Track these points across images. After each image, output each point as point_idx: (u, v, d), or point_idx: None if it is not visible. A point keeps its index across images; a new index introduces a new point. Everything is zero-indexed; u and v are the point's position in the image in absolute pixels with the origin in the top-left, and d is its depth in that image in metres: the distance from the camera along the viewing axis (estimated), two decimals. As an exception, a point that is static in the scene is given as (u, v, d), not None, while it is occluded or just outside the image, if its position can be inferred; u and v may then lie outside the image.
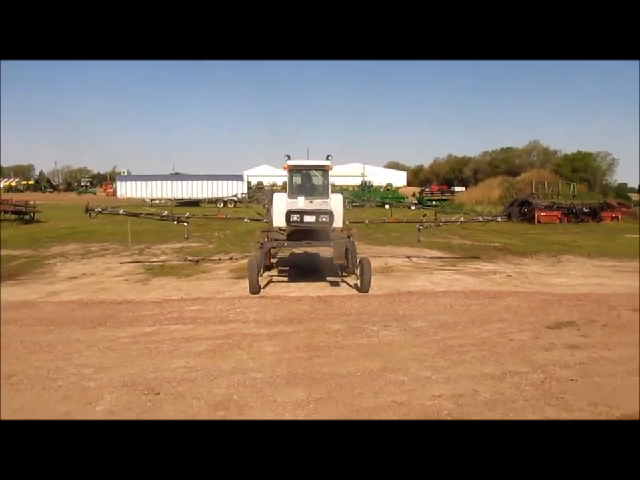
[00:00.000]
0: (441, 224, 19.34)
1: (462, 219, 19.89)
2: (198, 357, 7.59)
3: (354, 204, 18.84)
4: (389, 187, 73.70)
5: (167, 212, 18.38)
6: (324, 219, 12.49)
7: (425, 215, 19.97)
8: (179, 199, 53.69)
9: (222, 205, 49.73)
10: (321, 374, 6.90)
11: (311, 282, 13.51)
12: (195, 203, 46.31)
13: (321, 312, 10.37)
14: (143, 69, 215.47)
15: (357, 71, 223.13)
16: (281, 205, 13.61)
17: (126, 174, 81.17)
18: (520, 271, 15.87)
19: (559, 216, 37.10)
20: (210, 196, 56.10)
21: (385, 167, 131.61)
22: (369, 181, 78.87)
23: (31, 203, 33.42)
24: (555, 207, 38.91)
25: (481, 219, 20.65)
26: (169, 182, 61.43)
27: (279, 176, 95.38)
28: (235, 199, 46.23)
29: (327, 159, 13.91)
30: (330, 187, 14.13)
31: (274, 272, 15.28)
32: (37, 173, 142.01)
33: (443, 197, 62.48)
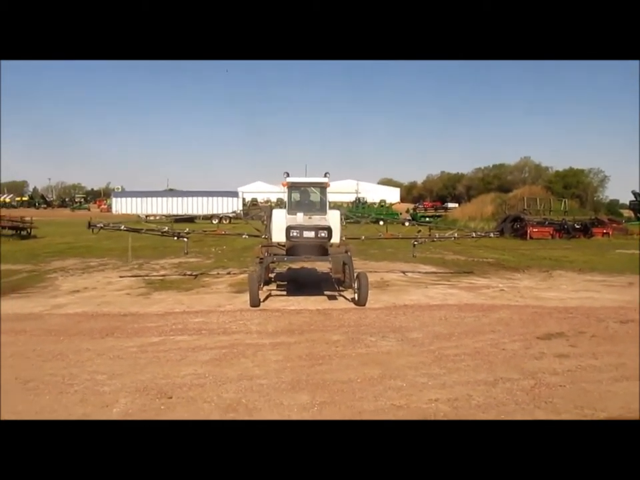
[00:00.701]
0: (435, 240, 19.76)
1: (456, 234, 20.33)
2: (205, 365, 7.94)
3: (348, 220, 19.21)
4: (383, 204, 74.26)
5: (167, 228, 18.75)
6: (323, 235, 12.89)
7: (419, 231, 20.39)
8: (173, 215, 53.89)
9: (217, 221, 50.18)
10: (323, 380, 7.26)
11: (309, 296, 13.86)
12: (190, 219, 46.60)
13: (321, 324, 10.73)
14: (133, 82, 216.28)
15: (350, 88, 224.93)
16: (280, 221, 14.01)
17: (120, 190, 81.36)
18: (512, 286, 16.29)
19: (551, 232, 37.71)
20: (205, 212, 56.41)
21: (378, 183, 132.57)
22: (363, 198, 79.52)
23: (28, 218, 33.63)
24: (546, 222, 39.56)
25: (474, 234, 21.10)
26: (164, 198, 61.74)
27: (273, 192, 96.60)
28: (233, 215, 46.55)
29: (325, 176, 14.38)
30: (328, 203, 14.59)
31: (272, 286, 15.62)
32: (31, 189, 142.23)
33: (437, 213, 63.12)
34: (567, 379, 7.45)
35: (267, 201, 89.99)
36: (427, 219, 56.67)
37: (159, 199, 61.36)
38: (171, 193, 68.97)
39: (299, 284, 15.96)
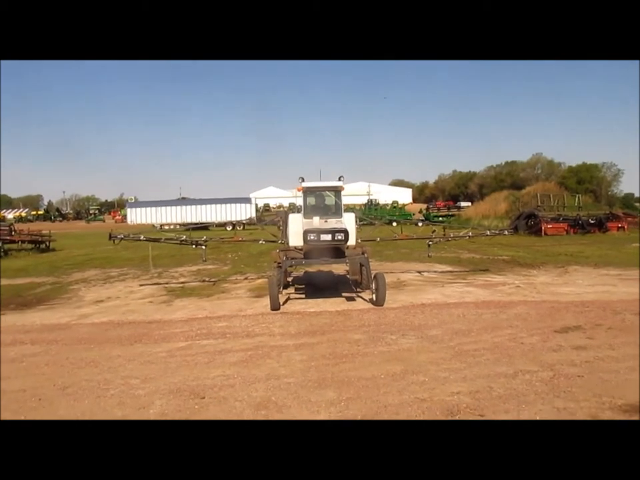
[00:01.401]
0: (449, 239, 19.93)
1: (470, 233, 20.48)
2: (233, 366, 8.22)
3: (362, 222, 19.46)
4: (395, 205, 74.30)
5: (184, 236, 19.11)
6: (340, 237, 13.14)
7: (434, 230, 20.58)
8: (187, 224, 54.44)
9: (231, 227, 50.65)
10: (348, 377, 7.52)
11: (327, 298, 14.11)
12: (204, 227, 47.02)
13: (341, 324, 10.99)
14: (143, 92, 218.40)
15: (359, 90, 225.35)
16: (297, 225, 14.29)
17: (133, 200, 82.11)
18: (528, 282, 16.44)
19: (565, 228, 37.68)
20: (218, 219, 56.85)
21: (389, 184, 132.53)
22: (375, 199, 79.65)
23: (45, 232, 34.18)
24: (561, 219, 39.47)
25: (488, 232, 21.25)
26: (177, 207, 62.24)
27: (286, 197, 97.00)
28: (246, 221, 46.96)
29: (339, 179, 14.65)
30: (343, 206, 14.86)
31: (290, 290, 15.89)
32: (46, 202, 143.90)
33: (450, 213, 63.16)
34: (584, 370, 7.65)
35: (280, 206, 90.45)
36: (440, 218, 56.81)
37: (173, 207, 61.87)
38: (184, 201, 69.46)
39: (317, 287, 16.21)
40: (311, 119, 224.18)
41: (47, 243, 32.86)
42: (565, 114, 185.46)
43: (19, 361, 8.87)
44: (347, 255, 14.06)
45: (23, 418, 6.32)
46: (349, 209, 26.29)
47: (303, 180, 14.67)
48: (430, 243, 18.74)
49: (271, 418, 6.19)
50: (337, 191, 14.67)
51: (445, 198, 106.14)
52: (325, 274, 18.92)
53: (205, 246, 18.10)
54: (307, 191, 14.70)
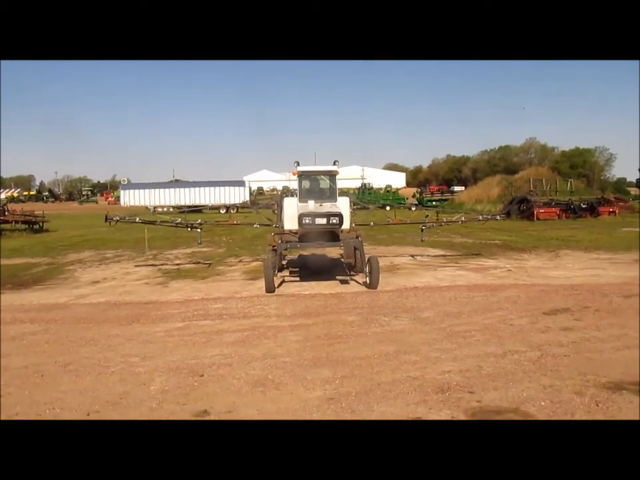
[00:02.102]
0: (442, 224, 20.16)
1: (463, 218, 20.66)
2: (230, 346, 8.43)
3: (356, 206, 19.63)
4: (389, 189, 74.35)
5: (179, 219, 19.24)
6: (334, 221, 13.32)
7: (427, 215, 20.78)
8: (181, 206, 54.32)
9: (225, 210, 50.64)
10: (343, 357, 7.75)
11: (321, 281, 14.32)
12: (198, 209, 46.99)
13: (335, 306, 11.20)
14: (136, 74, 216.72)
15: (353, 73, 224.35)
16: (292, 209, 14.45)
17: (126, 182, 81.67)
18: (519, 266, 16.71)
19: (557, 212, 37.91)
20: (212, 202, 56.72)
21: (383, 168, 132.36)
22: (369, 183, 79.62)
23: (39, 213, 34.14)
24: (553, 203, 39.69)
25: (480, 217, 21.46)
26: (171, 189, 61.97)
27: (279, 180, 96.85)
28: (240, 204, 46.95)
29: (334, 164, 14.80)
30: (337, 190, 15.02)
31: (285, 273, 16.08)
32: (38, 183, 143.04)
33: (443, 197, 63.32)
34: (571, 350, 7.91)
35: (274, 189, 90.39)
36: (434, 203, 56.99)
37: (166, 190, 61.48)
38: (177, 184, 69.14)
39: (311, 270, 16.40)
40: (305, 102, 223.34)
41: (41, 224, 32.84)
42: (559, 99, 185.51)
43: (19, 339, 9.06)
44: (342, 239, 14.25)
45: (27, 393, 6.53)
46: (343, 192, 26.50)
47: (298, 164, 14.79)
48: (423, 227, 18.94)
49: (268, 394, 6.41)
50: (331, 175, 14.82)
51: (439, 182, 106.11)
52: (319, 257, 19.11)
53: (201, 229, 18.24)
54: (302, 175, 14.84)
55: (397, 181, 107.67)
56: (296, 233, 14.60)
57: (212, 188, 60.64)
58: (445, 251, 20.74)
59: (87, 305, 11.99)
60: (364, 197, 60.19)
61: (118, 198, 70.25)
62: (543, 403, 5.98)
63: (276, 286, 13.31)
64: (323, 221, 13.33)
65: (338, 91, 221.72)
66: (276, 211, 17.46)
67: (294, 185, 15.18)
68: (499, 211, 37.76)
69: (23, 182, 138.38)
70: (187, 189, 61.26)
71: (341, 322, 9.82)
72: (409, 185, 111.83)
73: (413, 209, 45.13)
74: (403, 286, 13.46)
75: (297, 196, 14.95)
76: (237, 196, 59.09)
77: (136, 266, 18.19)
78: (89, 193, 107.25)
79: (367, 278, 13.43)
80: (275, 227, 16.79)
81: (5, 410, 5.98)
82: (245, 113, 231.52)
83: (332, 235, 13.89)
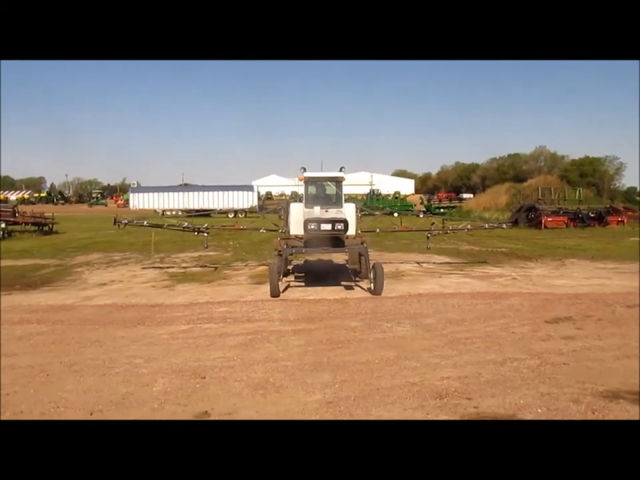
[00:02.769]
0: (448, 232, 20.19)
1: (469, 226, 20.68)
2: (233, 349, 8.53)
3: (363, 212, 19.70)
4: (397, 195, 74.38)
5: (186, 223, 19.41)
6: (339, 227, 13.41)
7: (433, 223, 20.82)
8: (189, 210, 54.59)
9: (233, 215, 50.84)
10: (343, 362, 7.83)
11: (326, 286, 14.40)
12: (206, 213, 47.20)
13: (339, 312, 11.28)
14: (146, 79, 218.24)
15: (362, 79, 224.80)
16: (298, 214, 14.54)
17: (136, 185, 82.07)
18: (525, 274, 16.71)
19: (566, 221, 37.85)
20: (221, 206, 56.91)
21: (392, 175, 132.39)
22: (377, 190, 79.61)
23: (49, 215, 34.43)
24: (561, 212, 39.64)
25: (486, 226, 21.46)
26: (180, 193, 62.25)
27: (288, 185, 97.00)
28: (248, 209, 47.12)
29: (340, 170, 14.91)
30: (343, 196, 15.12)
31: (290, 278, 16.18)
32: (48, 185, 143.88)
33: (451, 204, 63.34)
34: (571, 358, 7.95)
35: (282, 195, 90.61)
36: (441, 210, 57.03)
37: (175, 193, 61.78)
38: (186, 187, 69.45)
39: (316, 275, 16.49)
40: (315, 108, 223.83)
41: (50, 226, 33.14)
42: (569, 107, 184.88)
43: (26, 339, 9.20)
44: (347, 245, 14.34)
45: (32, 392, 6.66)
46: (351, 198, 26.58)
47: (305, 170, 14.90)
48: (429, 235, 18.99)
49: (268, 397, 6.51)
50: (337, 181, 14.93)
51: (448, 189, 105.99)
52: (324, 263, 19.20)
53: (208, 233, 18.36)
54: (309, 181, 14.96)
55: (406, 187, 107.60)
56: (302, 238, 14.70)
57: (221, 192, 60.81)
58: (450, 258, 20.77)
59: (94, 306, 12.13)
60: (372, 203, 60.24)
61: (127, 201, 70.60)
62: (539, 410, 6.04)
63: (281, 290, 13.41)
64: (328, 226, 13.42)
65: (347, 96, 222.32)
66: (282, 216, 17.57)
67: (302, 190, 15.27)
68: (507, 219, 37.70)
69: (34, 184, 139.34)
70: (195, 193, 61.50)
71: (344, 327, 9.90)
72: (417, 191, 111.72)
73: (421, 215, 45.17)
74: (407, 292, 13.52)
75: (303, 201, 15.06)
76: (246, 200, 59.23)
77: (143, 268, 18.37)
78: (99, 195, 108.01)
79: (371, 284, 13.50)
80: (281, 232, 16.89)
81: (10, 408, 6.12)
82: (254, 118, 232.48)
83: (337, 240, 13.98)
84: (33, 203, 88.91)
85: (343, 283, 14.99)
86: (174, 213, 55.79)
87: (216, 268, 18.29)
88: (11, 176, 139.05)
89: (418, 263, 19.39)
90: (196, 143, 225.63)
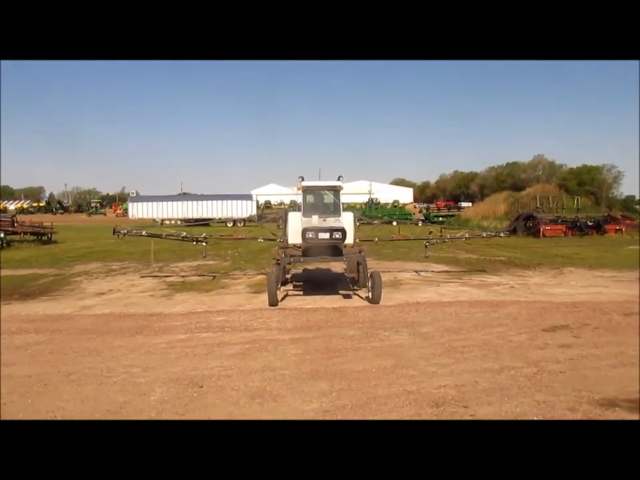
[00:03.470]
0: (446, 240, 20.24)
1: (466, 235, 20.73)
2: (230, 358, 8.55)
3: (362, 221, 19.76)
4: (396, 204, 74.59)
5: (184, 233, 19.45)
6: (337, 236, 13.45)
7: (431, 232, 20.87)
8: (188, 219, 54.68)
9: (232, 224, 50.92)
10: (341, 370, 7.85)
11: (324, 295, 14.42)
12: (205, 222, 47.23)
13: (337, 320, 11.30)
14: (145, 86, 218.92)
15: (361, 88, 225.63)
16: (296, 223, 14.59)
17: (135, 195, 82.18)
18: (523, 283, 16.75)
19: (564, 229, 37.98)
20: (219, 216, 56.98)
21: (391, 183, 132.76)
22: (376, 198, 79.90)
23: (47, 224, 34.44)
24: (559, 220, 39.77)
25: (484, 234, 21.51)
26: (179, 202, 62.29)
27: (287, 194, 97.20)
28: (247, 218, 47.20)
29: (338, 179, 14.96)
30: (341, 205, 15.17)
31: (289, 287, 16.20)
32: (47, 194, 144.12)
33: (450, 213, 63.50)
34: (567, 366, 7.97)
35: (281, 203, 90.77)
36: (440, 218, 57.18)
37: (174, 203, 61.84)
38: (185, 197, 69.57)
39: (314, 284, 16.51)
40: (313, 117, 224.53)
41: (49, 235, 33.15)
42: (567, 115, 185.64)
43: (24, 348, 9.21)
44: (345, 253, 14.38)
45: (29, 401, 6.67)
46: (350, 207, 26.64)
47: (303, 179, 14.97)
48: (427, 243, 19.04)
49: (265, 406, 6.52)
50: (335, 190, 14.98)
51: (446, 198, 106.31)
52: (323, 271, 19.22)
53: (206, 242, 18.39)
54: (307, 190, 15.01)
55: (405, 196, 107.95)
56: (300, 247, 14.74)
57: (220, 201, 60.93)
58: (449, 267, 20.80)
59: (92, 316, 12.14)
60: (371, 212, 60.37)
61: (126, 210, 70.68)
62: (535, 418, 6.05)
63: (279, 299, 13.42)
64: (326, 235, 13.47)
65: (346, 105, 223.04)
66: (281, 225, 17.62)
67: (301, 199, 15.34)
68: (505, 227, 37.79)
69: (33, 193, 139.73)
70: (194, 202, 61.59)
71: (341, 336, 9.91)
72: (416, 200, 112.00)
73: (420, 224, 45.25)
74: (405, 301, 13.54)
75: (301, 210, 15.11)
76: (245, 209, 59.33)
77: (141, 277, 18.38)
78: (98, 205, 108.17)
79: (369, 292, 13.53)
80: (280, 241, 16.93)
81: (7, 417, 6.11)
82: (253, 127, 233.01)
83: (335, 249, 14.02)
84: (32, 213, 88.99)
85: (341, 291, 15.02)
86: (173, 222, 55.83)
87: (214, 277, 18.30)
88: (10, 185, 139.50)
89: (416, 271, 19.42)
90: (195, 152, 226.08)
